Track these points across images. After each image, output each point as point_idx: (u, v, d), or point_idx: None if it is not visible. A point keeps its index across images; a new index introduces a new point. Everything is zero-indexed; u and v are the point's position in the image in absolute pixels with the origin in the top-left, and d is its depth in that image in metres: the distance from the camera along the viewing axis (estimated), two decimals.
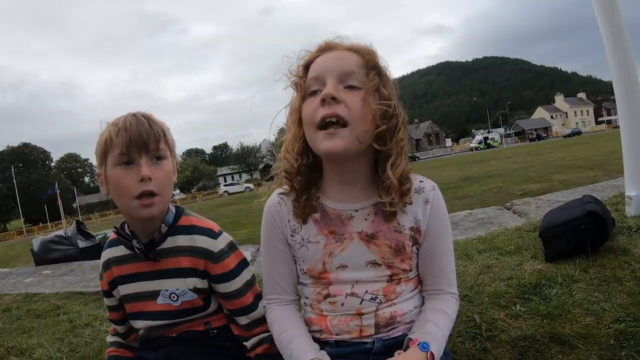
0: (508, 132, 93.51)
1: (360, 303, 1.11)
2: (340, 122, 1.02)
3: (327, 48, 1.11)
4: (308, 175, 1.14)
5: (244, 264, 1.28)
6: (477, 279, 1.98)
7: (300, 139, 1.12)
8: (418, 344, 1.01)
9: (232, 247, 1.27)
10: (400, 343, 1.10)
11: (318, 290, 1.15)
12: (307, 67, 1.12)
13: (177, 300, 1.24)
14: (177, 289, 1.23)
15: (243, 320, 1.27)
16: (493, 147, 66.80)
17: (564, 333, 1.51)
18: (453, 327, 1.17)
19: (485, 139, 73.79)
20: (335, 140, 1.02)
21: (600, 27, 2.67)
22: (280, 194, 1.18)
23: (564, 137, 71.39)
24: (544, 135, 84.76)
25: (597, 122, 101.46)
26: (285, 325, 1.16)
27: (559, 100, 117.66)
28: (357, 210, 1.12)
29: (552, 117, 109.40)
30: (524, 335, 1.52)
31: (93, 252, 5.02)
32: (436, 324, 1.08)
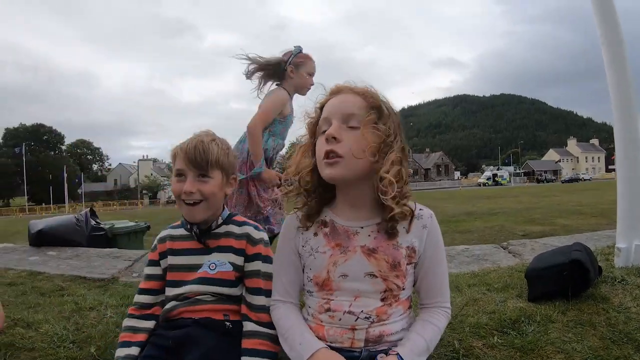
0: (517, 171, 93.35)
1: (356, 320, 1.27)
2: (338, 155, 1.23)
3: (337, 91, 1.33)
4: (321, 194, 1.36)
5: (270, 259, 1.51)
6: (462, 309, 2.10)
7: (312, 167, 1.34)
8: (396, 354, 1.19)
9: (267, 243, 1.55)
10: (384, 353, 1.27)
11: (321, 303, 1.32)
12: (322, 108, 1.34)
13: (214, 269, 1.46)
14: (218, 260, 1.48)
15: (252, 299, 1.44)
16: (501, 184, 66.88)
17: None
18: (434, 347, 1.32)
19: (494, 175, 73.87)
20: (334, 168, 1.24)
21: (608, 76, 2.69)
22: (296, 208, 1.40)
23: (562, 182, 70.72)
24: (553, 178, 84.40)
25: (607, 170, 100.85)
26: (295, 321, 1.34)
27: (572, 145, 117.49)
28: (362, 227, 1.31)
29: (562, 161, 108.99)
30: None
31: (99, 241, 5.07)
32: (421, 334, 1.27)
